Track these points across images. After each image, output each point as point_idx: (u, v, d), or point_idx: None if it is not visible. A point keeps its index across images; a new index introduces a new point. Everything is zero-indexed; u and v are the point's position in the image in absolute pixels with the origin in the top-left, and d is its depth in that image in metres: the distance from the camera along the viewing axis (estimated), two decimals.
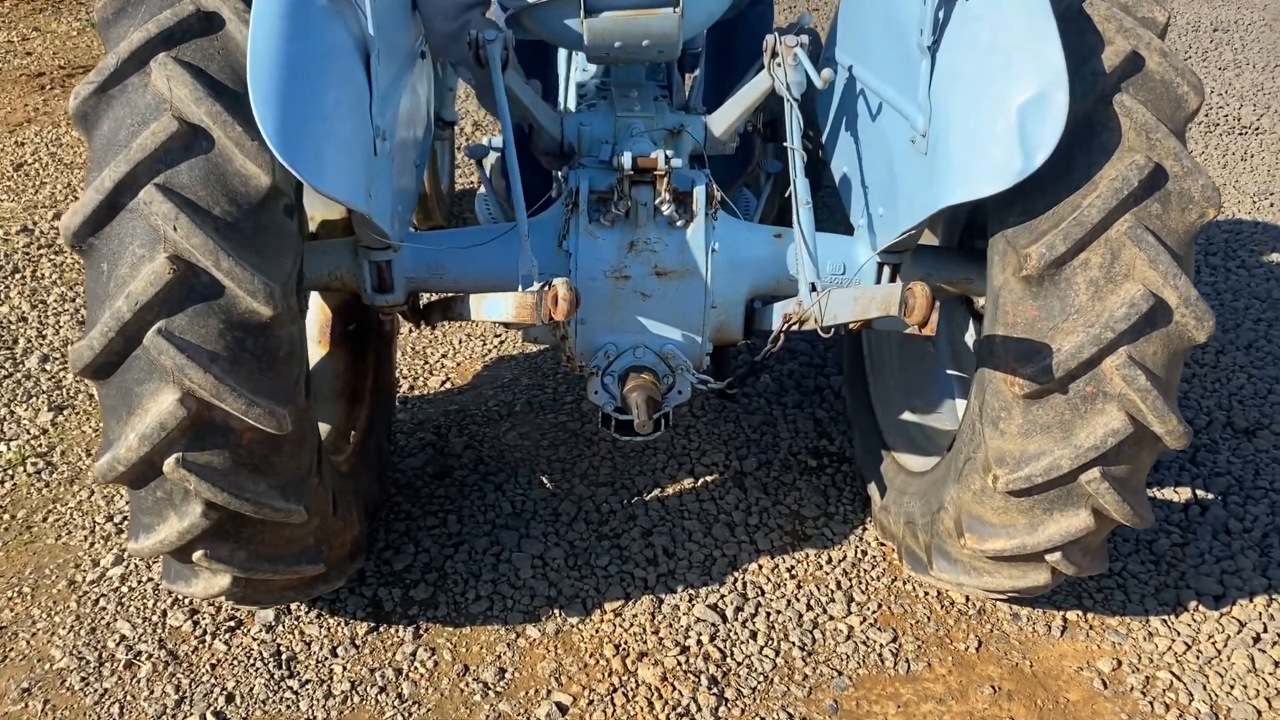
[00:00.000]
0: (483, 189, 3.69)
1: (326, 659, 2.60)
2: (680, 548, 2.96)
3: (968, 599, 2.80)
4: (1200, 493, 3.19)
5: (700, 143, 2.78)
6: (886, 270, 2.61)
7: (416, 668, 2.59)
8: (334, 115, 2.02)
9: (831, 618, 2.75)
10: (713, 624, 2.71)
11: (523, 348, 3.86)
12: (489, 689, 2.54)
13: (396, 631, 2.68)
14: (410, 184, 2.62)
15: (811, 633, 2.70)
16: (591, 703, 2.51)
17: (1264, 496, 3.18)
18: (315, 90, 1.98)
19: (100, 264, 2.00)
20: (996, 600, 2.74)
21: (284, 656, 2.60)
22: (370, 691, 2.52)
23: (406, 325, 3.17)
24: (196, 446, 2.05)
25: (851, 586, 2.85)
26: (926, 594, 2.83)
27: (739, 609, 2.76)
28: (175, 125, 1.95)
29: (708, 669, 2.59)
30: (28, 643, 2.62)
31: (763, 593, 2.82)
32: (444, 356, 3.81)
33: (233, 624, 2.68)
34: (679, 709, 2.48)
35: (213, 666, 2.57)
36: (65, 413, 3.45)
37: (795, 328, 2.41)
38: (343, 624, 2.70)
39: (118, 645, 2.61)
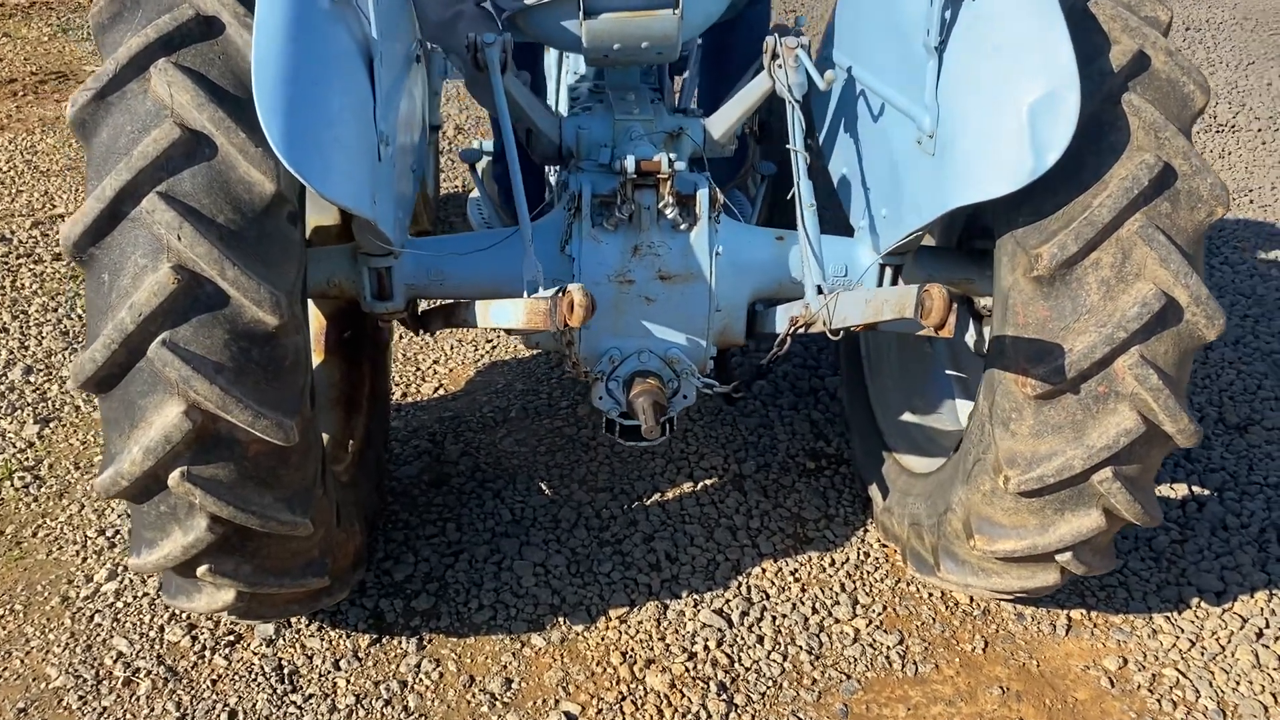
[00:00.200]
0: (474, 193, 3.67)
1: (330, 672, 2.56)
2: (683, 553, 2.94)
3: (972, 600, 2.80)
4: (1197, 489, 3.20)
5: (700, 145, 2.76)
6: (889, 272, 2.60)
7: (422, 679, 2.56)
8: (339, 120, 1.99)
9: (837, 621, 2.74)
10: (719, 629, 2.70)
11: (516, 353, 3.83)
12: (496, 700, 2.51)
13: (399, 643, 2.65)
14: (409, 189, 2.59)
15: (818, 636, 2.69)
16: (600, 711, 2.48)
17: (1259, 492, 3.20)
18: (320, 95, 1.95)
19: (101, 274, 1.95)
20: (1002, 601, 2.74)
21: (286, 671, 2.56)
22: (375, 705, 2.48)
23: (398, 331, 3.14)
24: (202, 459, 2.01)
25: (856, 589, 2.85)
26: (931, 595, 2.82)
27: (744, 614, 2.75)
28: (177, 132, 1.91)
29: (716, 675, 2.57)
30: (22, 661, 2.57)
31: (767, 597, 2.81)
32: (436, 363, 3.77)
33: (232, 638, 2.64)
34: (689, 716, 2.47)
35: (213, 682, 2.53)
36: (51, 425, 3.39)
37: (802, 330, 2.40)
38: (344, 636, 2.66)
39: (115, 662, 2.56)
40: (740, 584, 2.85)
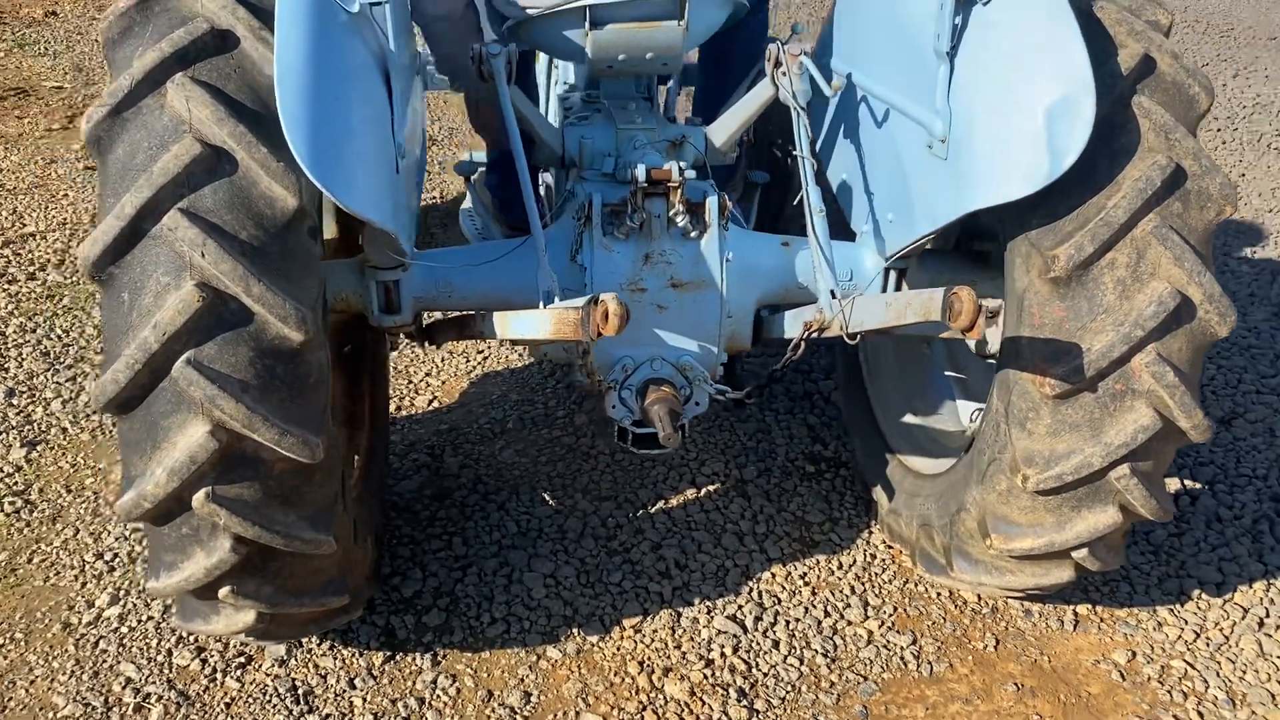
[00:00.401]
0: (466, 204, 3.65)
1: (345, 691, 2.53)
2: (692, 559, 2.95)
3: (980, 598, 2.83)
4: (1189, 483, 3.27)
5: (702, 153, 2.77)
6: (893, 275, 2.63)
7: (439, 695, 2.53)
8: (360, 134, 1.98)
9: (850, 623, 2.76)
10: (734, 635, 2.70)
11: (508, 364, 3.81)
12: (516, 713, 2.49)
13: (414, 659, 2.62)
14: (416, 202, 2.57)
15: (832, 639, 2.71)
16: None
17: (1248, 484, 3.27)
18: (343, 109, 1.93)
19: (121, 294, 1.92)
20: (1012, 598, 2.77)
21: (300, 691, 2.53)
22: None
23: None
24: (226, 479, 1.98)
25: (865, 590, 2.86)
26: (940, 595, 2.85)
27: (758, 619, 2.76)
28: (198, 148, 1.88)
29: (735, 681, 2.58)
30: (27, 691, 2.51)
31: (779, 601, 2.82)
32: (428, 375, 3.75)
33: (243, 660, 2.60)
34: None
35: (227, 705, 2.48)
36: (39, 448, 3.32)
37: (815, 335, 2.42)
38: (357, 654, 2.63)
39: (124, 689, 2.51)
40: (751, 589, 2.85)
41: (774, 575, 2.90)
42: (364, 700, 2.51)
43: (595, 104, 3.09)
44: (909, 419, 3.02)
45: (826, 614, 2.78)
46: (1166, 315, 2.08)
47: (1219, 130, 6.11)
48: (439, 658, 2.63)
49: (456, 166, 3.20)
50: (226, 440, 1.93)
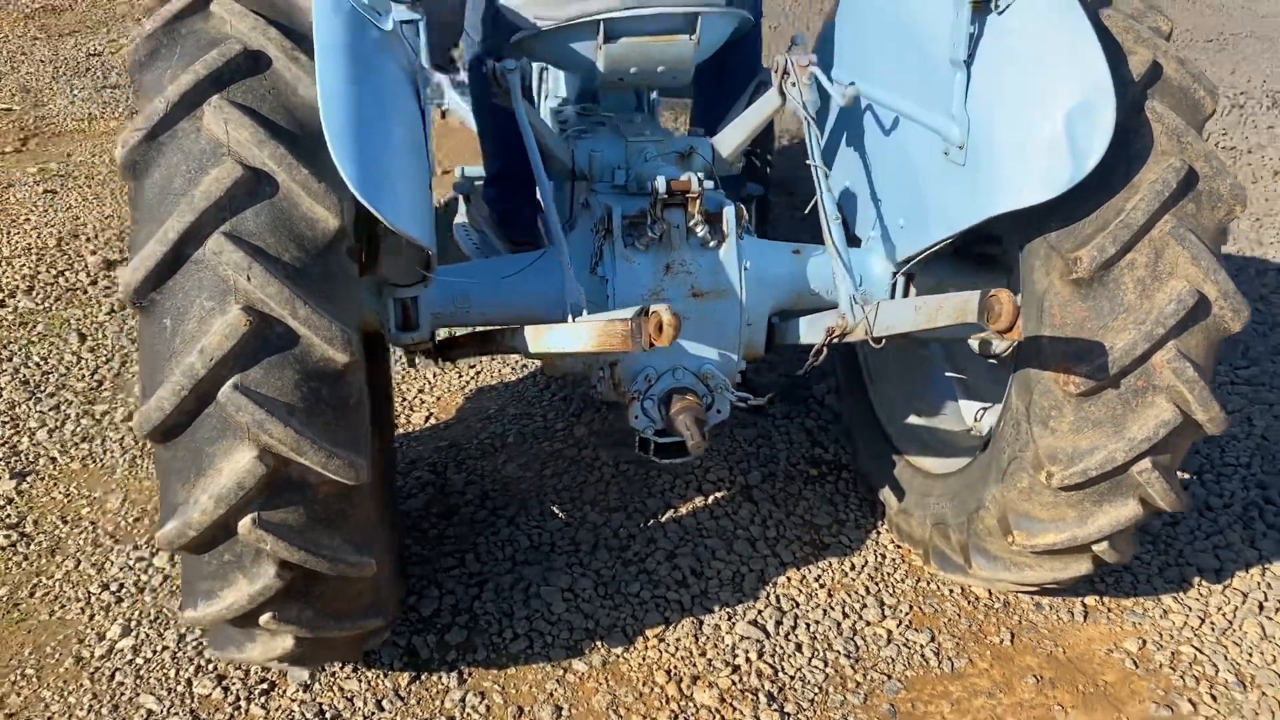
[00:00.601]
0: (460, 219, 3.64)
1: (373, 714, 2.51)
2: (707, 567, 2.97)
3: (991, 593, 2.89)
4: (1179, 474, 3.36)
5: (710, 163, 2.80)
6: (901, 280, 2.68)
7: (469, 714, 2.52)
8: (400, 151, 1.98)
9: (868, 623, 2.80)
10: (757, 640, 2.73)
11: (501, 377, 3.80)
12: None
13: (440, 679, 2.61)
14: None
15: (853, 640, 2.75)
16: None
17: (1234, 473, 3.38)
18: (384, 128, 1.93)
19: (163, 320, 1.89)
20: (1028, 593, 2.83)
21: (328, 715, 2.50)
22: None
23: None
24: (272, 504, 1.96)
25: (880, 590, 2.91)
26: (951, 591, 2.90)
27: (779, 623, 2.79)
28: (239, 170, 1.87)
29: (763, 686, 2.60)
30: None
31: (797, 605, 2.85)
32: (422, 392, 3.73)
33: (266, 686, 2.56)
34: None
35: None
36: (29, 479, 3.24)
37: (838, 340, 2.46)
38: (382, 676, 2.60)
39: None
40: (769, 594, 2.88)
41: (789, 579, 2.94)
42: None
43: (592, 116, 3.10)
44: (913, 420, 3.08)
45: (845, 615, 2.82)
46: (1185, 313, 2.15)
47: None
48: (465, 676, 2.62)
49: (456, 186, 3.19)
50: (273, 465, 1.92)
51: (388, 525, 2.67)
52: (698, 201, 2.49)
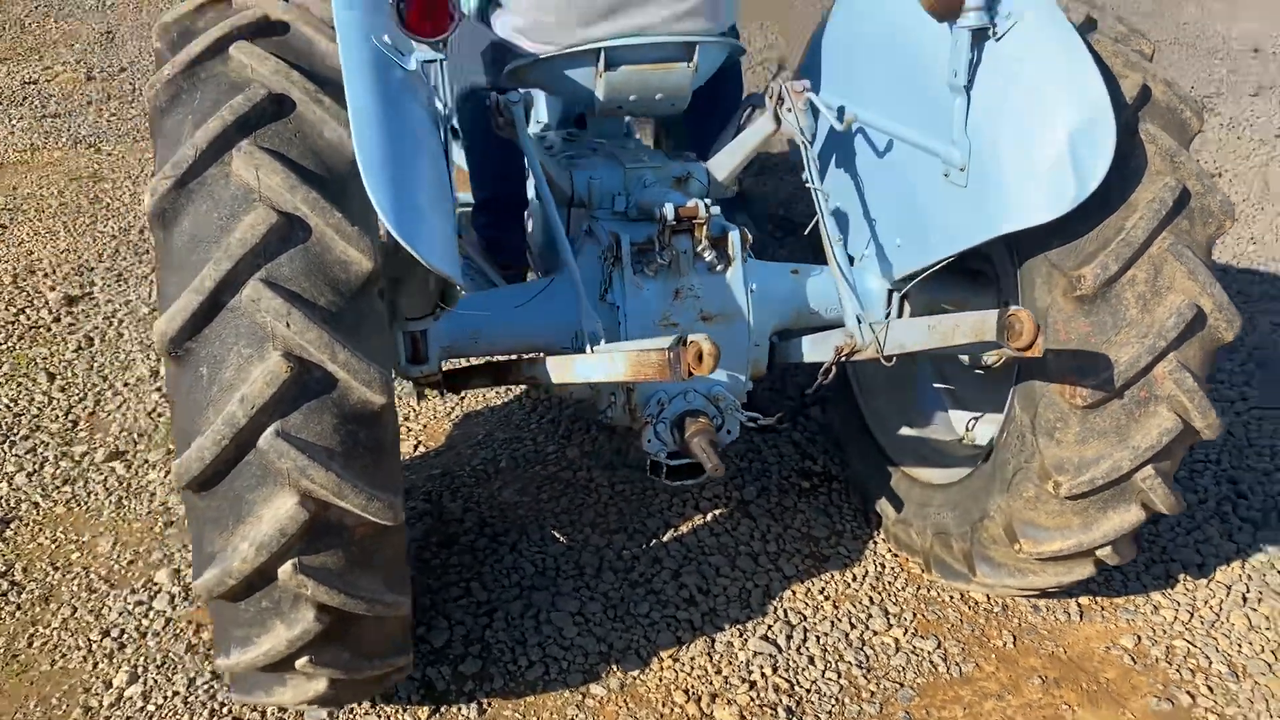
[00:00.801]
0: None
1: None
2: (713, 584, 3.01)
3: (989, 598, 2.97)
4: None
5: (706, 187, 2.84)
6: (895, 297, 2.75)
7: None
8: (430, 191, 1.99)
9: (875, 632, 2.86)
10: (771, 655, 2.77)
11: (486, 402, 3.80)
12: None
13: (459, 710, 2.61)
14: None
15: (863, 650, 2.81)
16: None
17: (1205, 469, 3.51)
18: (416, 168, 1.94)
19: (199, 369, 1.87)
20: (1029, 597, 2.92)
21: None
22: None
23: None
24: (313, 549, 1.95)
25: (883, 599, 2.98)
26: (952, 597, 2.98)
27: (789, 637, 2.84)
28: (274, 216, 1.86)
29: (781, 700, 2.65)
30: None
31: (805, 618, 2.90)
32: (407, 419, 3.71)
33: None
34: None
35: None
36: (13, 526, 3.16)
37: (845, 358, 2.51)
38: (400, 710, 2.60)
39: None
40: (776, 608, 2.93)
41: (794, 592, 2.99)
42: None
43: (577, 142, 3.13)
44: (906, 432, 3.15)
45: (852, 625, 2.88)
46: (1184, 325, 2.25)
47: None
48: (484, 706, 2.63)
49: None
50: (314, 510, 1.91)
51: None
52: (704, 227, 2.53)
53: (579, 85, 2.71)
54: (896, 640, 2.84)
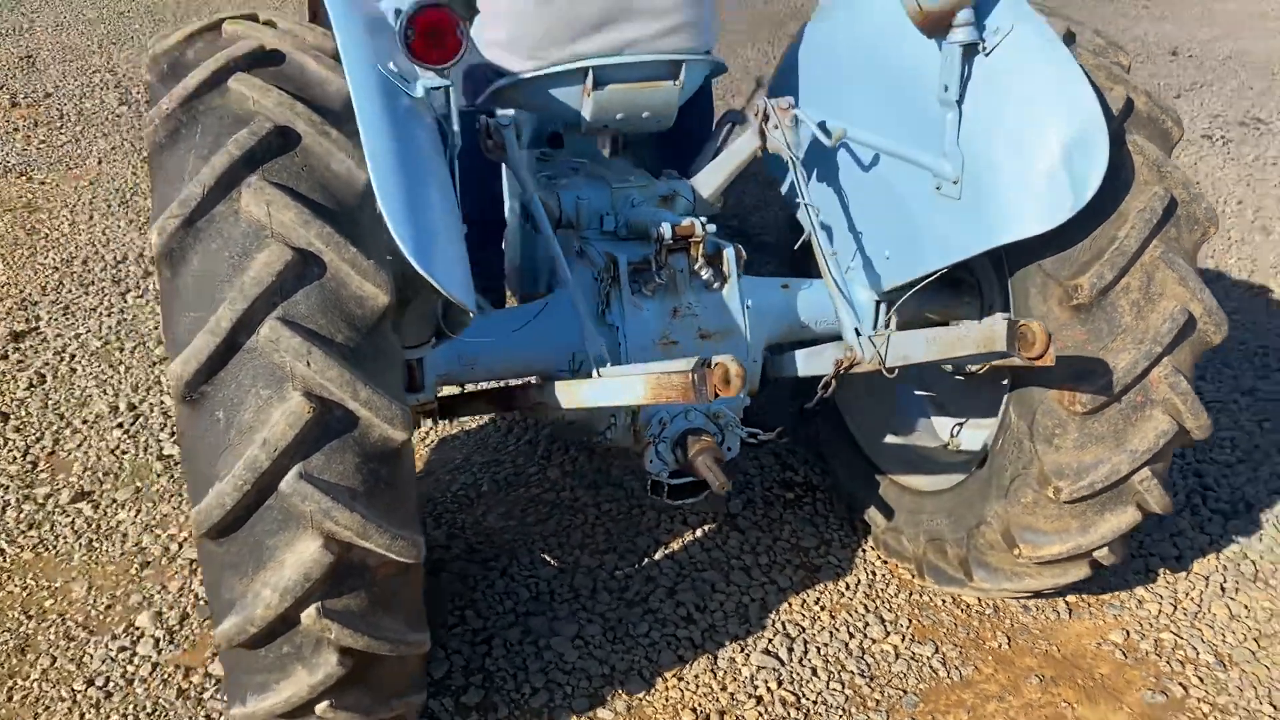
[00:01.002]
0: None
1: None
2: (709, 600, 3.01)
3: (980, 600, 3.02)
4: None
5: (692, 204, 2.84)
6: (882, 308, 2.78)
7: None
8: (445, 219, 1.96)
9: (874, 640, 2.89)
10: (774, 669, 2.78)
11: (460, 425, 3.76)
12: None
13: None
14: None
15: (864, 659, 2.83)
16: None
17: (1173, 464, 3.59)
18: (430, 197, 1.92)
19: (215, 412, 1.82)
20: (1016, 598, 2.97)
21: None
22: None
23: None
24: (336, 592, 1.91)
25: (878, 607, 3.00)
26: (944, 602, 3.02)
27: (790, 649, 2.85)
28: (289, 253, 1.81)
29: (788, 714, 2.66)
30: None
31: (803, 629, 2.92)
32: None
33: None
34: None
35: None
36: None
37: (846, 371, 2.53)
38: None
39: None
40: (774, 621, 2.94)
41: (790, 605, 3.00)
42: None
43: (552, 161, 3.10)
44: (891, 440, 3.19)
45: (850, 635, 2.90)
46: (1178, 330, 2.31)
47: None
48: None
49: None
50: (338, 552, 1.86)
51: None
52: (700, 245, 2.53)
53: (564, 105, 2.69)
54: (895, 647, 2.87)
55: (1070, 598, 3.04)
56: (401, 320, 2.32)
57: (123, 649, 2.80)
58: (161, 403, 3.80)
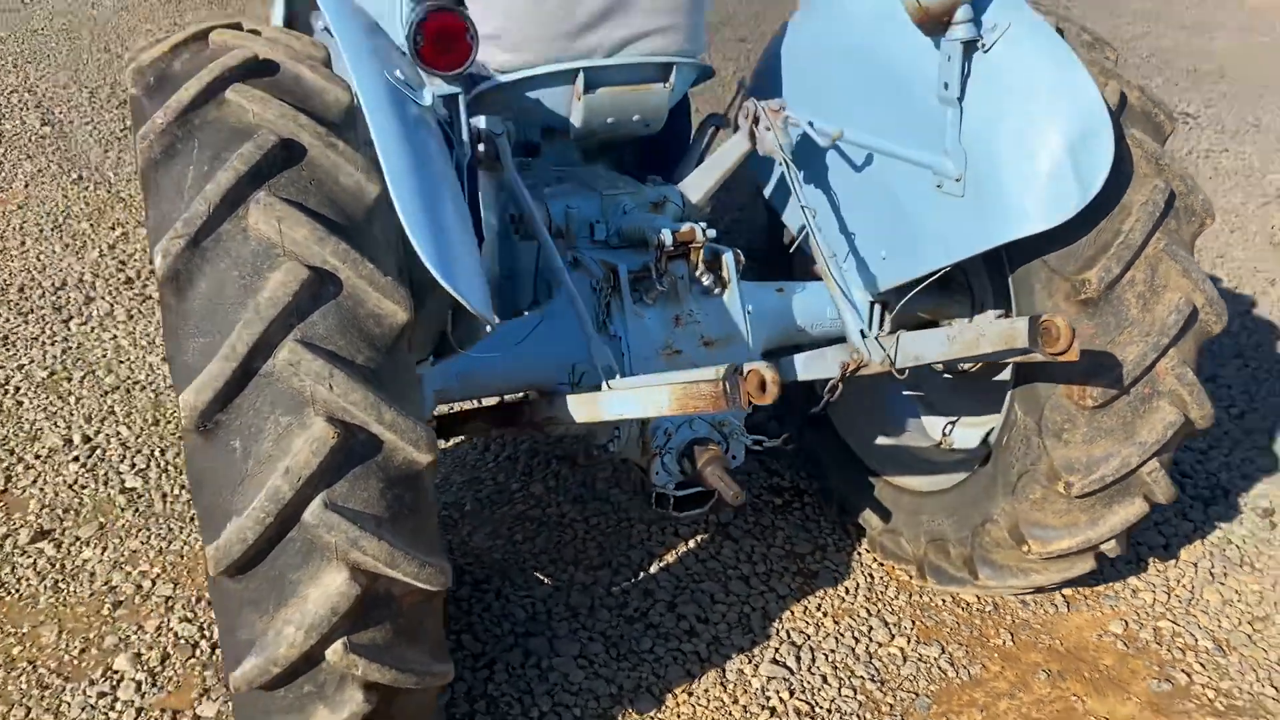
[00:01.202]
0: None
1: None
2: (710, 612, 2.96)
3: (978, 597, 3.02)
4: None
5: (682, 210, 2.80)
6: (877, 308, 2.77)
7: None
8: (462, 232, 1.89)
9: (880, 644, 2.87)
10: (784, 679, 2.74)
11: None
12: None
13: None
14: None
15: (872, 663, 2.80)
16: None
17: None
18: (446, 209, 1.85)
19: (230, 443, 1.71)
20: (1015, 594, 2.97)
21: None
22: None
23: None
24: (361, 625, 1.81)
25: (880, 610, 2.98)
26: (944, 601, 3.01)
27: (798, 658, 2.81)
28: (305, 272, 1.72)
29: None
30: None
31: (808, 636, 2.88)
32: None
33: None
34: None
35: None
36: None
37: (852, 374, 2.51)
38: None
39: None
40: (778, 629, 2.90)
41: (792, 612, 2.97)
42: None
43: (531, 171, 3.03)
44: (883, 441, 3.17)
45: (856, 640, 2.88)
46: (1183, 322, 2.32)
47: None
48: None
49: None
50: (365, 583, 1.77)
51: None
52: (700, 251, 2.48)
53: (549, 109, 2.62)
54: (902, 650, 2.85)
55: (1067, 591, 3.05)
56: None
57: (102, 695, 2.66)
58: (118, 434, 3.64)
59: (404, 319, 1.81)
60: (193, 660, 2.75)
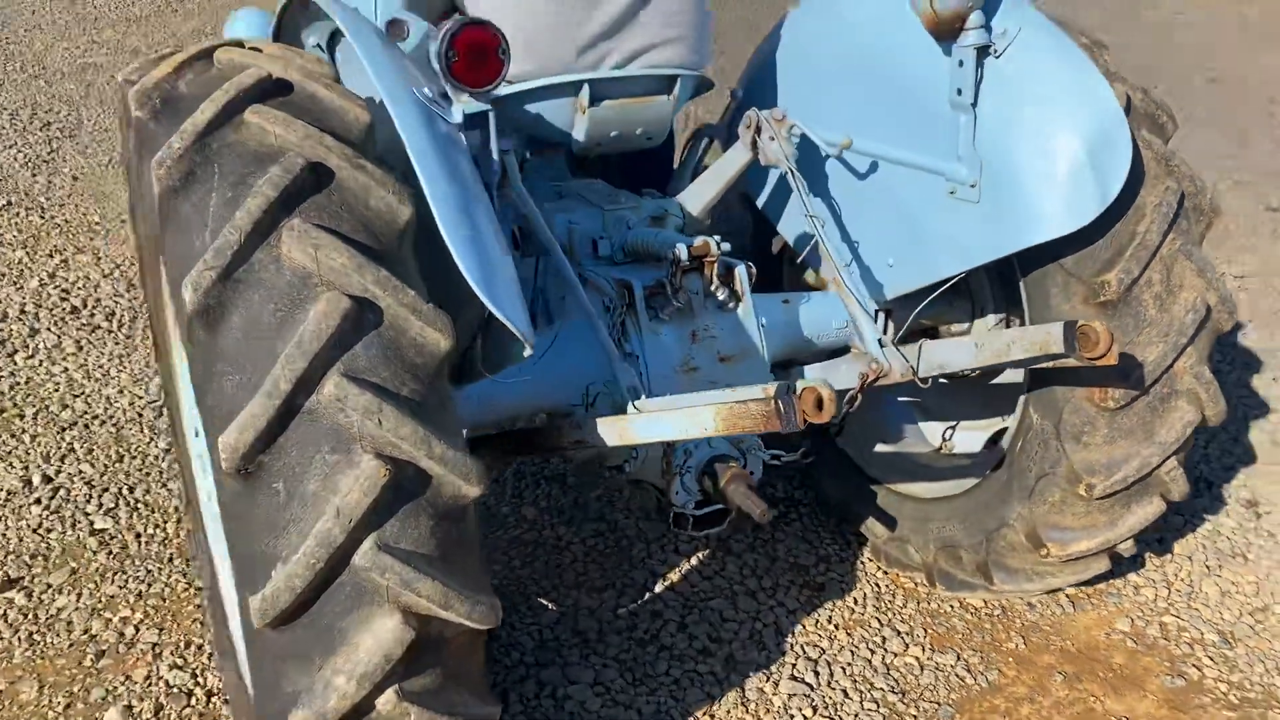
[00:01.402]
0: None
1: None
2: (722, 630, 2.91)
3: (985, 601, 3.01)
4: None
5: (682, 223, 2.74)
6: (881, 316, 2.75)
7: None
8: (502, 254, 1.81)
9: (895, 654, 2.84)
10: (805, 695, 2.70)
11: None
12: None
13: None
14: None
15: (890, 675, 2.78)
16: None
17: None
18: (487, 231, 1.77)
19: (273, 485, 1.62)
20: (1032, 597, 2.97)
21: None
22: None
23: None
24: (413, 671, 1.72)
25: (890, 620, 2.96)
26: (952, 607, 3.00)
27: (816, 672, 2.77)
28: (346, 302, 1.63)
29: None
30: None
31: (823, 650, 2.85)
32: None
33: None
34: None
35: None
36: None
37: (872, 384, 2.48)
38: None
39: None
40: (792, 644, 2.86)
41: (804, 626, 2.93)
42: None
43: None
44: (883, 449, 3.15)
45: (871, 651, 2.85)
46: (1200, 321, 2.34)
47: None
48: None
49: None
50: (418, 627, 1.69)
51: None
52: (714, 265, 2.44)
53: (554, 125, 2.55)
54: (918, 659, 2.83)
55: (1070, 590, 3.06)
56: None
57: None
58: (81, 472, 3.46)
59: (446, 347, 1.73)
60: (188, 709, 2.61)
